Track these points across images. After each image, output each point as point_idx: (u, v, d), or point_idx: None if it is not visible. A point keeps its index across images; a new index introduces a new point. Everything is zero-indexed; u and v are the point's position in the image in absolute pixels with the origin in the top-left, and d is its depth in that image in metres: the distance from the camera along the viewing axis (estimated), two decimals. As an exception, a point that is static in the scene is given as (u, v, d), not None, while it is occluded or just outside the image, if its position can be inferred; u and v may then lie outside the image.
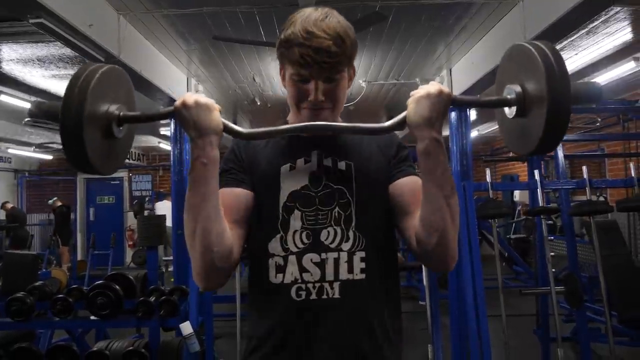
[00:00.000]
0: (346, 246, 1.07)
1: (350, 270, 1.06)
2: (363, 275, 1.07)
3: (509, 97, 1.04)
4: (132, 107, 1.12)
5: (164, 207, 9.13)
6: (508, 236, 8.60)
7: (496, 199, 4.50)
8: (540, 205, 3.24)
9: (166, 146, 9.57)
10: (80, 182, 11.52)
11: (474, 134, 8.58)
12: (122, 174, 11.61)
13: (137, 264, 8.76)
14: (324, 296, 1.05)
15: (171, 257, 6.79)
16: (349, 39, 1.04)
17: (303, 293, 1.05)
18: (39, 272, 4.42)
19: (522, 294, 3.39)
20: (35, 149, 9.17)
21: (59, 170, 11.49)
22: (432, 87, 1.00)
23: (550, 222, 5.38)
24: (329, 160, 1.12)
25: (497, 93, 1.10)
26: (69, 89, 0.94)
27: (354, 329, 1.06)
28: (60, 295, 2.96)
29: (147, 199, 11.23)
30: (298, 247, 1.07)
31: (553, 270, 3.24)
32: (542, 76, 0.93)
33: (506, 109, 1.07)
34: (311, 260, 1.06)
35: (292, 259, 1.06)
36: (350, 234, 1.08)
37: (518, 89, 1.02)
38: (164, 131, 8.47)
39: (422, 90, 1.01)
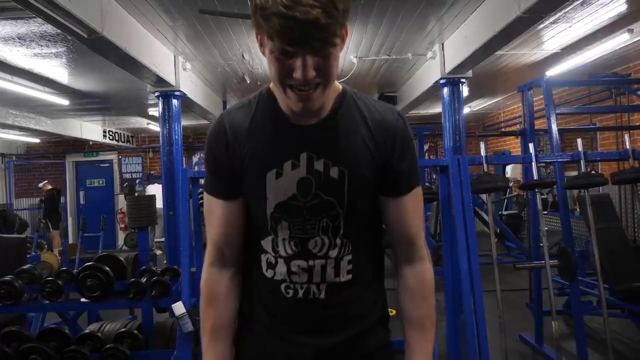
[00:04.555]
0: (333, 253, 1.06)
1: (337, 274, 1.07)
2: (350, 277, 1.08)
3: None
4: None
5: (156, 191, 9.04)
6: (500, 212, 8.64)
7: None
8: (535, 179, 3.21)
9: (155, 127, 9.43)
10: (70, 165, 11.38)
11: (466, 110, 8.53)
12: (112, 156, 11.47)
13: (130, 246, 8.70)
14: (310, 296, 1.07)
15: (163, 239, 6.77)
16: (341, 2, 0.85)
17: (291, 292, 1.07)
18: (28, 256, 4.37)
19: (516, 268, 3.39)
20: (22, 132, 9.00)
21: (46, 153, 11.33)
22: None
23: (543, 196, 5.38)
24: (320, 163, 1.01)
25: None
26: None
27: (338, 322, 1.09)
28: (50, 278, 2.92)
29: (137, 181, 11.13)
30: (287, 253, 1.06)
31: (546, 244, 3.23)
32: None
33: None
34: (299, 266, 1.06)
35: (281, 261, 1.07)
36: (338, 241, 1.06)
37: None
38: (153, 111, 8.33)
39: None
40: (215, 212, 1.09)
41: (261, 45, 0.94)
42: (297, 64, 0.88)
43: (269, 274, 1.09)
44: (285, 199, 1.02)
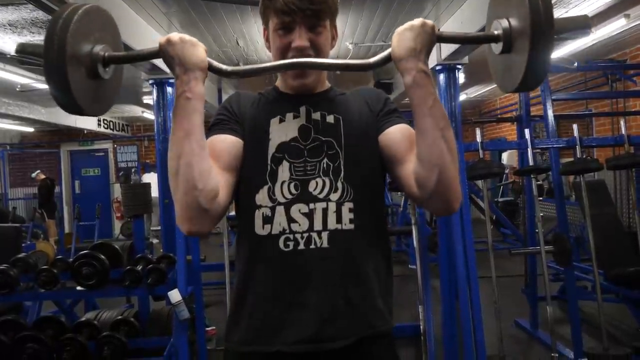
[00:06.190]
0: (335, 196, 1.07)
1: (339, 220, 1.06)
2: (352, 226, 1.07)
3: (495, 32, 1.02)
4: (119, 48, 1.11)
5: (152, 180, 9.00)
6: (496, 199, 8.67)
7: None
8: (530, 164, 3.21)
9: (150, 116, 9.37)
10: (64, 154, 11.31)
11: (462, 97, 8.51)
12: (107, 145, 11.41)
13: (126, 235, 8.71)
14: (312, 246, 1.05)
15: (159, 227, 6.76)
16: None
17: (291, 243, 1.05)
18: (24, 245, 4.35)
19: (512, 254, 3.41)
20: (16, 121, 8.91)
21: (41, 143, 11.25)
22: (416, 20, 1.01)
23: (539, 183, 5.39)
24: (317, 114, 1.14)
25: (486, 30, 1.10)
26: (51, 28, 0.92)
27: (342, 277, 1.06)
28: (45, 267, 2.91)
29: (133, 170, 11.09)
30: (286, 198, 1.07)
31: (542, 230, 3.24)
32: (526, 9, 0.92)
33: (493, 45, 1.05)
34: (299, 210, 1.06)
35: (280, 209, 1.06)
36: (339, 184, 1.08)
37: (505, 23, 1.00)
38: (147, 100, 8.26)
39: (406, 24, 1.01)
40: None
41: (267, 40, 1.16)
42: (295, 36, 1.07)
43: (264, 230, 1.06)
44: (287, 139, 1.11)
